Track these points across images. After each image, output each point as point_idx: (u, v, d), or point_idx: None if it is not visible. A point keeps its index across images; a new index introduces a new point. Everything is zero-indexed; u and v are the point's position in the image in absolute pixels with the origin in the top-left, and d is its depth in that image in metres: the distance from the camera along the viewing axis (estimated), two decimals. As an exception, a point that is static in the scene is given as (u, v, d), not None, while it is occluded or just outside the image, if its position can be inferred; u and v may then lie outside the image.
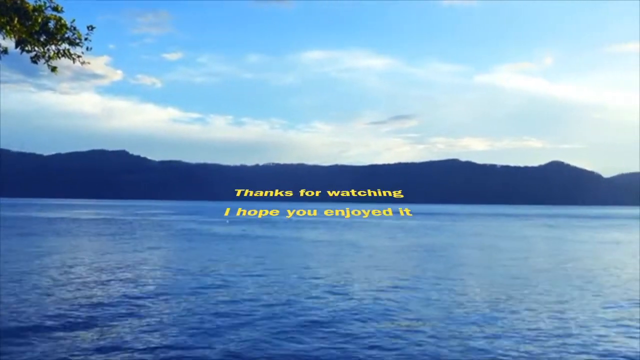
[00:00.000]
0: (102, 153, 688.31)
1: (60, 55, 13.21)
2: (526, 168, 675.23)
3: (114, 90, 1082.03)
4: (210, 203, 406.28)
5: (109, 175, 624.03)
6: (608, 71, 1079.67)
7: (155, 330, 18.41)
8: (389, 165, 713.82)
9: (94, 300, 23.58)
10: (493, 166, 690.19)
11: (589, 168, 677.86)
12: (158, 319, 20.06)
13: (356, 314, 21.45)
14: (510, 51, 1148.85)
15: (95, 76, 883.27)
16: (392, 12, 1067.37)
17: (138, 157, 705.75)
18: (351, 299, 24.66)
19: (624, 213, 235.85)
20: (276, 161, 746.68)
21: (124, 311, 21.37)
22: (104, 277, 30.28)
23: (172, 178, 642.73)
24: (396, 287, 28.07)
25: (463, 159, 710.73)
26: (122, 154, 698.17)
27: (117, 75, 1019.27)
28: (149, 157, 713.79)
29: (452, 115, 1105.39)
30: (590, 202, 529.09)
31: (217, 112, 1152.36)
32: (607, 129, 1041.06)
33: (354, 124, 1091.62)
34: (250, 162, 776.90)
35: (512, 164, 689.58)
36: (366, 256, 44.60)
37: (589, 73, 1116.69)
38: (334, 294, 25.87)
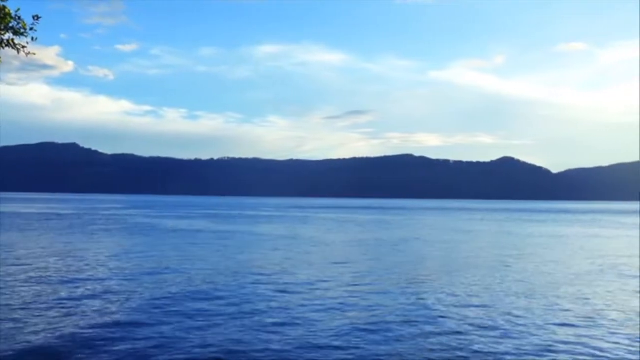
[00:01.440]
0: (52, 146, 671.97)
1: (3, 46, 12.62)
2: (478, 163, 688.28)
3: (65, 81, 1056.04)
4: (164, 197, 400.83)
5: (60, 168, 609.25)
6: (556, 69, 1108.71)
7: (103, 332, 17.92)
8: (344, 159, 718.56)
9: (41, 298, 22.84)
10: (446, 161, 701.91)
11: (538, 164, 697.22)
12: (105, 320, 19.54)
13: (306, 307, 21.38)
14: (463, 48, 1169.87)
15: (45, 67, 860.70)
16: (345, 7, 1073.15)
17: (89, 150, 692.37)
18: (299, 292, 24.61)
19: (573, 208, 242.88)
20: (232, 155, 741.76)
21: (65, 310, 20.76)
22: (51, 274, 29.38)
23: (125, 172, 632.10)
24: (353, 284, 28.13)
25: (417, 154, 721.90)
26: (73, 147, 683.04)
27: (68, 66, 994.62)
28: (101, 151, 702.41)
29: (406, 111, 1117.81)
30: (540, 197, 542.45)
31: (170, 105, 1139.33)
32: (556, 125, 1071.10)
33: (310, 119, 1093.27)
34: (205, 156, 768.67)
35: (464, 160, 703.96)
36: (319, 251, 44.62)
37: (538, 70, 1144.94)
38: (282, 291, 25.77)
